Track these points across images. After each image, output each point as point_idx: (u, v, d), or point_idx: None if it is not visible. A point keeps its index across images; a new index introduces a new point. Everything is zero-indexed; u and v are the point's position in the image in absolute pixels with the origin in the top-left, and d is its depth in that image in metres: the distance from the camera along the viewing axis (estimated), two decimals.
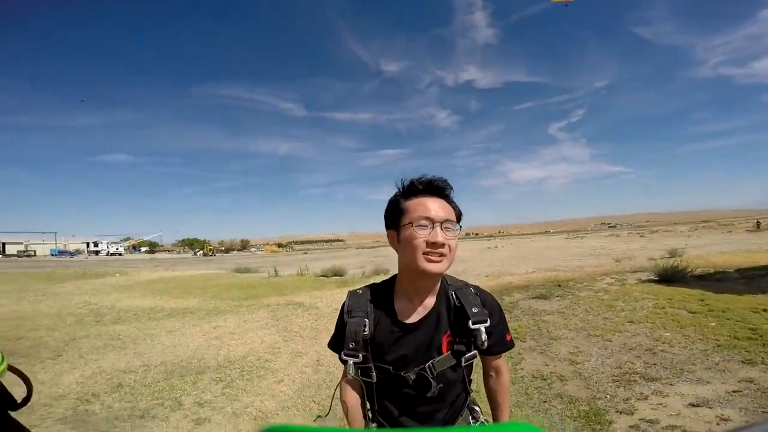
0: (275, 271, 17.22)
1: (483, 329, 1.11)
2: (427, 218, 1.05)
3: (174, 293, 11.17)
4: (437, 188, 1.10)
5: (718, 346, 4.16)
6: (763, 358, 3.61)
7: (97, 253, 53.52)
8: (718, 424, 2.56)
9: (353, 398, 1.27)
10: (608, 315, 6.22)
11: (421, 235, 1.04)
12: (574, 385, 3.69)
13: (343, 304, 1.23)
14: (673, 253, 14.74)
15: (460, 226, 1.14)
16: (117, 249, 58.24)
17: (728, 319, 5.13)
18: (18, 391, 1.06)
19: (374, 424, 1.25)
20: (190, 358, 4.93)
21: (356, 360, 1.15)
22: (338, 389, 1.30)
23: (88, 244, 56.69)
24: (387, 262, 22.62)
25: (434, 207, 1.07)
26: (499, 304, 1.24)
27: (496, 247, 38.48)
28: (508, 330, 1.26)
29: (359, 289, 1.27)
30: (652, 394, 3.22)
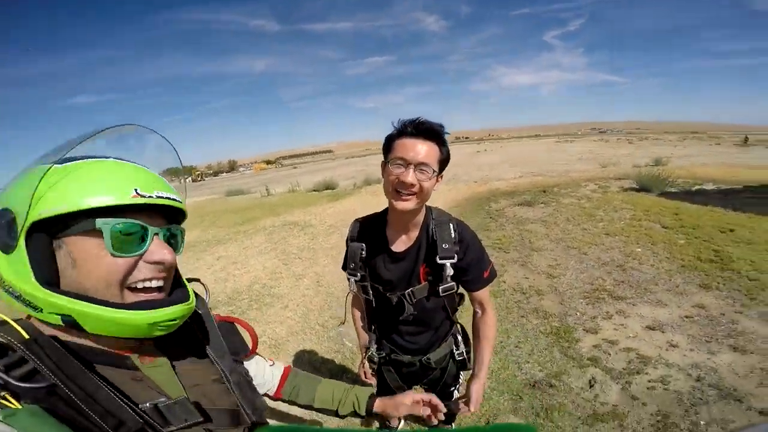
0: (267, 190, 17.18)
1: (449, 264, 1.26)
2: (402, 158, 1.16)
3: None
4: (425, 131, 1.17)
5: (682, 266, 4.58)
6: (718, 283, 4.03)
7: None
8: (666, 349, 2.99)
9: (358, 309, 1.69)
10: (587, 225, 6.62)
11: (395, 174, 1.17)
12: (550, 300, 4.10)
13: (349, 231, 1.48)
14: (657, 162, 15.07)
15: (437, 171, 1.20)
16: None
17: (696, 237, 5.53)
18: None
19: (374, 335, 1.62)
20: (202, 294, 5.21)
21: (355, 278, 1.43)
22: (348, 299, 1.67)
23: None
24: (378, 171, 22.69)
25: (413, 149, 1.16)
26: (478, 240, 1.35)
27: (485, 151, 38.31)
28: (487, 266, 1.37)
29: (361, 218, 1.48)
30: (617, 313, 3.64)
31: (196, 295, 0.77)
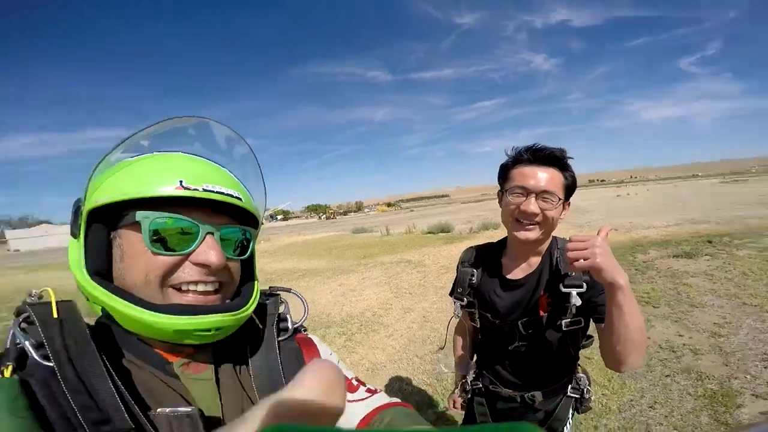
0: (386, 230, 18.43)
1: (575, 294, 1.08)
2: (522, 187, 1.10)
3: (306, 255, 12.90)
4: (545, 157, 1.09)
5: None
6: None
7: None
8: None
9: (462, 335, 1.57)
10: None
11: (514, 203, 1.10)
12: (709, 360, 3.28)
13: (461, 257, 1.42)
14: None
15: (562, 198, 1.12)
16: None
17: None
18: None
19: (475, 364, 1.48)
20: (320, 314, 5.78)
21: (461, 303, 1.34)
22: (451, 324, 1.58)
23: None
24: (494, 216, 21.88)
25: (534, 177, 1.09)
26: None
27: (627, 195, 33.66)
28: None
29: (476, 245, 1.43)
30: None
31: (281, 309, 0.76)
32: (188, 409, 0.53)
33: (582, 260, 0.92)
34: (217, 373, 0.62)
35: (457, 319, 1.50)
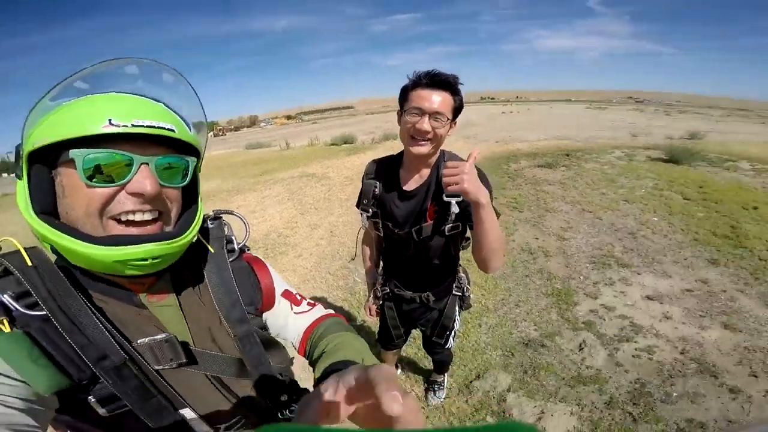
0: (286, 143, 17.45)
1: (454, 202, 1.28)
2: (419, 108, 1.24)
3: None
4: (440, 82, 1.24)
5: (695, 240, 4.56)
6: (727, 259, 4.02)
7: None
8: (659, 320, 3.07)
9: (369, 245, 1.82)
10: (607, 191, 6.58)
11: (411, 122, 1.26)
12: (557, 262, 4.19)
13: (365, 170, 1.58)
14: (693, 136, 14.27)
15: (450, 118, 1.28)
16: None
17: (716, 212, 5.44)
18: None
19: (382, 271, 1.78)
20: None
21: (367, 214, 1.55)
22: (359, 235, 1.79)
23: None
24: (396, 127, 22.23)
25: (429, 99, 1.23)
26: (487, 181, 1.29)
27: (511, 112, 36.74)
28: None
29: (377, 159, 1.58)
30: (619, 280, 3.71)
31: (225, 231, 0.81)
32: (164, 335, 0.63)
33: (453, 184, 1.10)
34: (179, 298, 0.70)
35: (364, 230, 1.70)
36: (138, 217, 0.58)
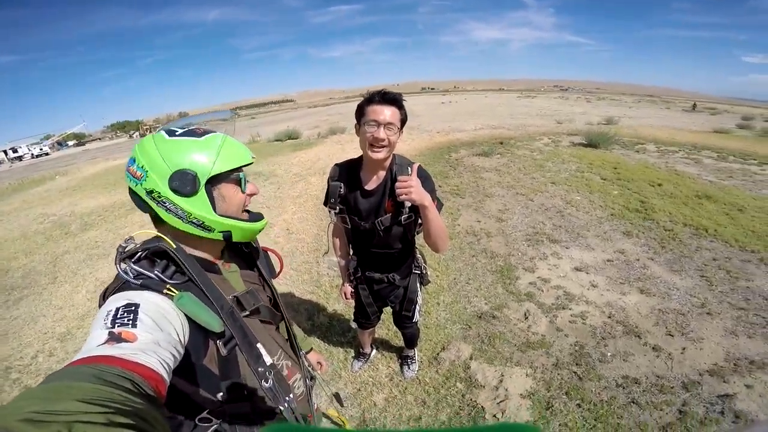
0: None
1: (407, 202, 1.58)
2: (374, 120, 1.50)
3: (122, 184, 9.38)
4: (389, 99, 1.52)
5: (612, 215, 5.24)
6: (639, 231, 4.71)
7: (20, 158, 44.55)
8: (588, 289, 3.58)
9: (339, 237, 2.09)
10: (536, 175, 7.22)
11: (369, 132, 1.52)
12: (497, 241, 4.63)
13: (330, 173, 1.82)
14: (609, 121, 16.13)
15: (399, 128, 1.54)
16: (41, 149, 49.02)
17: (628, 189, 6.26)
18: None
19: (353, 256, 2.05)
20: None
21: (335, 211, 1.81)
22: (329, 231, 2.07)
23: (5, 151, 46.89)
24: (341, 119, 22.47)
25: (383, 113, 1.48)
26: (428, 178, 1.61)
27: (450, 102, 37.93)
28: (434, 198, 1.59)
29: (340, 163, 1.82)
30: (551, 255, 4.22)
31: None
32: (243, 290, 0.98)
33: (403, 195, 1.41)
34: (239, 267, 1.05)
35: (333, 224, 1.97)
36: (250, 207, 0.98)
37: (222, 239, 0.90)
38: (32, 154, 46.16)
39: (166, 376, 0.62)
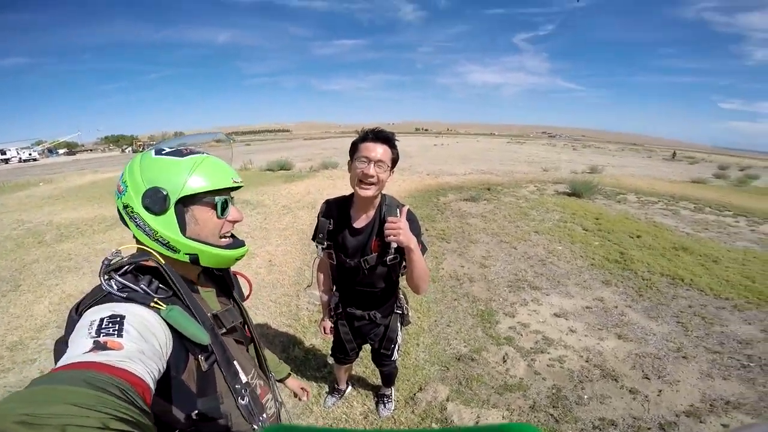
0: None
1: (393, 244, 1.58)
2: (366, 157, 1.53)
3: (108, 199, 9.94)
4: (382, 137, 1.57)
5: (592, 264, 5.34)
6: (617, 280, 4.81)
7: (6, 161, 44.61)
8: (566, 334, 3.61)
9: (324, 272, 2.09)
10: (521, 223, 7.36)
11: (360, 168, 1.55)
12: (479, 286, 4.67)
13: (320, 208, 1.86)
14: (593, 170, 16.83)
15: (390, 167, 1.58)
16: (30, 154, 48.59)
17: (609, 240, 6.40)
18: None
19: (336, 292, 2.05)
20: None
21: (322, 246, 1.83)
22: (314, 265, 2.10)
23: None
24: (334, 153, 22.88)
25: (374, 150, 1.51)
26: (417, 221, 1.67)
27: (442, 144, 39.31)
28: (420, 241, 1.64)
29: (331, 199, 1.86)
30: (532, 301, 4.26)
31: None
32: (226, 307, 1.01)
33: (392, 236, 1.46)
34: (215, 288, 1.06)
35: (319, 259, 1.99)
36: (229, 234, 0.96)
37: (188, 261, 0.89)
38: (20, 158, 45.40)
39: (152, 385, 0.62)
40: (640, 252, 5.86)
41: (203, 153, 0.91)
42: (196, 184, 0.85)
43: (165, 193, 0.83)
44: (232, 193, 0.98)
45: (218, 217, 0.91)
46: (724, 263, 5.49)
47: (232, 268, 1.18)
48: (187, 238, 0.87)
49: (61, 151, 67.93)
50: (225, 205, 0.92)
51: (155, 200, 0.83)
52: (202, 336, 0.81)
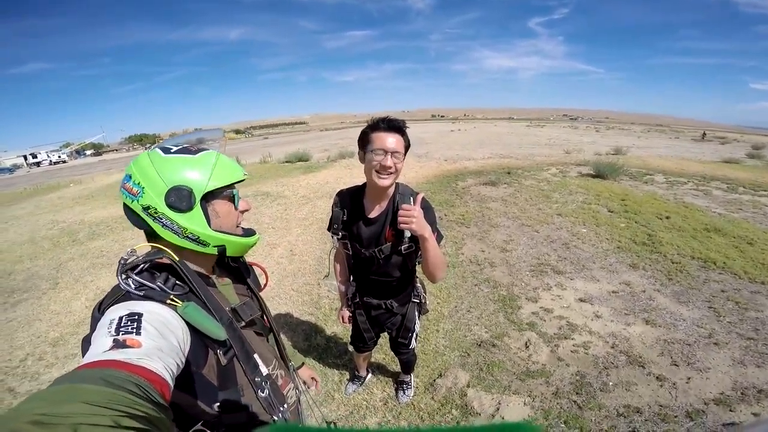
0: (237, 160, 17.14)
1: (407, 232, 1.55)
2: (381, 149, 1.51)
3: None
4: (394, 127, 1.54)
5: (618, 247, 5.18)
6: (645, 263, 4.65)
7: (38, 164, 45.68)
8: (591, 319, 3.52)
9: (340, 262, 2.10)
10: (543, 206, 7.20)
11: (377, 159, 1.53)
12: (501, 271, 4.60)
13: (334, 199, 1.85)
14: (617, 151, 16.23)
15: (404, 155, 1.57)
16: (60, 156, 49.39)
17: (636, 222, 6.19)
18: None
19: (353, 282, 2.06)
20: None
21: (338, 236, 1.83)
22: (331, 255, 2.11)
23: (25, 156, 48.47)
24: (352, 144, 22.75)
25: (389, 140, 1.50)
26: (430, 209, 1.63)
27: (459, 130, 38.73)
28: (434, 231, 1.58)
29: (344, 189, 1.85)
30: (555, 286, 4.17)
31: None
32: (238, 302, 1.00)
33: (405, 224, 1.42)
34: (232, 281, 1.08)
35: (335, 249, 2.01)
36: (243, 224, 1.01)
37: (216, 253, 0.93)
38: (50, 161, 47.25)
39: (170, 381, 0.63)
40: (669, 234, 5.65)
41: (208, 149, 0.93)
42: (218, 179, 0.89)
43: (189, 190, 0.85)
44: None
45: (235, 209, 0.96)
46: (759, 245, 5.22)
47: (248, 259, 1.20)
48: (213, 230, 0.90)
49: (88, 152, 70.04)
50: (238, 198, 0.98)
51: (180, 198, 0.85)
52: (217, 331, 0.82)
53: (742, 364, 2.92)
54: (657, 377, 2.79)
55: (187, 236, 0.87)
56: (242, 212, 0.99)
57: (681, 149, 21.69)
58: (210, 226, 0.89)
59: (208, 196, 0.89)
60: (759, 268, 4.48)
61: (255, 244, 1.01)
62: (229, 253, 0.94)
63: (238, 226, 0.98)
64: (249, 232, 1.00)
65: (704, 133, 39.82)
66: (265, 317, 1.14)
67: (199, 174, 0.86)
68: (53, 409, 0.42)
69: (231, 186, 0.93)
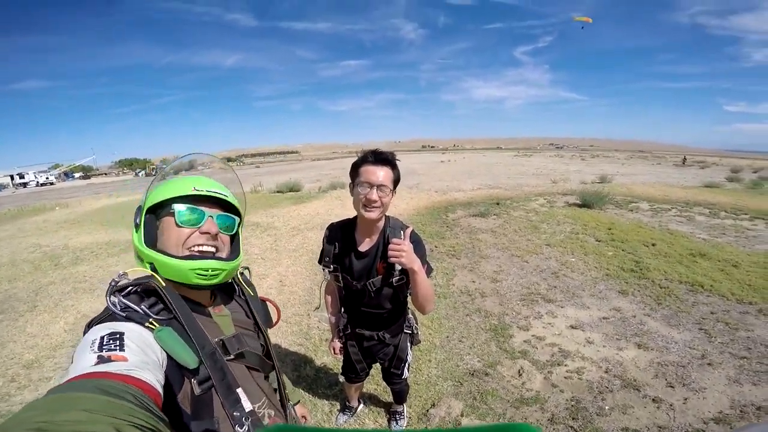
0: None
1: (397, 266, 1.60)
2: (368, 182, 1.54)
3: (122, 223, 10.11)
4: (383, 160, 1.57)
5: (607, 275, 5.23)
6: (634, 289, 4.68)
7: (24, 185, 44.52)
8: (584, 345, 3.51)
9: (331, 293, 2.09)
10: (532, 237, 7.26)
11: (363, 194, 1.55)
12: (492, 301, 4.58)
13: (325, 233, 1.86)
14: (603, 179, 16.66)
15: (392, 188, 1.58)
16: (47, 178, 49.11)
17: (623, 250, 6.27)
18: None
19: (344, 313, 2.03)
20: None
21: (329, 269, 1.84)
22: (322, 287, 2.09)
23: (12, 176, 48.21)
24: (344, 174, 23.10)
25: (376, 174, 1.52)
26: (421, 243, 1.68)
27: (449, 161, 39.50)
28: (424, 264, 1.62)
29: (336, 222, 1.86)
30: (546, 314, 4.16)
31: (249, 283, 1.17)
32: (230, 334, 0.96)
33: (395, 258, 1.46)
34: (230, 311, 1.03)
35: (326, 281, 2.01)
36: (204, 248, 0.91)
37: (150, 271, 0.89)
38: (37, 182, 46.21)
39: (161, 392, 0.63)
40: (656, 260, 5.72)
41: (189, 173, 0.98)
42: (158, 193, 0.90)
43: (140, 207, 0.91)
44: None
45: (177, 225, 0.89)
46: (744, 267, 5.32)
47: (262, 295, 1.20)
48: (149, 248, 0.88)
49: (76, 175, 69.32)
50: (194, 215, 0.91)
51: (136, 216, 0.91)
52: (187, 358, 0.80)
53: (737, 382, 2.93)
54: (653, 399, 2.78)
55: (136, 254, 0.89)
56: (205, 234, 0.91)
57: (663, 175, 22.28)
58: (149, 243, 0.89)
59: (156, 212, 0.91)
60: (746, 289, 4.56)
61: (193, 269, 0.87)
62: (162, 273, 0.88)
63: (190, 248, 0.90)
64: (194, 257, 0.89)
65: (684, 158, 41.00)
66: (268, 354, 1.10)
67: (150, 190, 0.90)
68: (54, 417, 0.42)
69: (176, 200, 0.90)
